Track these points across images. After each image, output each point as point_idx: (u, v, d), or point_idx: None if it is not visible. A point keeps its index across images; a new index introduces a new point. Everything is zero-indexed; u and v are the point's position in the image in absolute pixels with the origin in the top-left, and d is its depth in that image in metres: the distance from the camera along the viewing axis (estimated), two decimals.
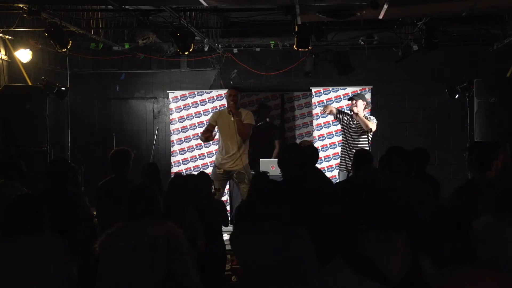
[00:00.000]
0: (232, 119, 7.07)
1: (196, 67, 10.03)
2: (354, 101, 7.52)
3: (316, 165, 5.17)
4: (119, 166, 5.42)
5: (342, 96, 9.25)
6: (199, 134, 8.27)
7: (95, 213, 5.78)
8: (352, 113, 7.54)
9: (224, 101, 9.25)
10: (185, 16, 7.48)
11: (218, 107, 9.35)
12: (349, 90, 9.14)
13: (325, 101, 9.28)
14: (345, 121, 7.65)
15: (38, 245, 3.34)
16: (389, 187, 4.42)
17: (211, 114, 9.23)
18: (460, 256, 2.15)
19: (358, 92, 8.39)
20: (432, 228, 2.20)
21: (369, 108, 8.40)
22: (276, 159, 8.22)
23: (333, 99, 9.21)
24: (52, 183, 4.94)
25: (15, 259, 3.30)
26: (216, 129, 7.41)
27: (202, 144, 9.30)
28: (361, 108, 7.50)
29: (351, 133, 7.56)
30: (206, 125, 7.75)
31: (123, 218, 3.52)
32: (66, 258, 3.41)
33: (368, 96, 9.14)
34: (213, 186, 5.62)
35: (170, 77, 10.12)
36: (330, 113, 7.79)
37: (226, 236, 4.85)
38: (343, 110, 8.07)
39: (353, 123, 7.54)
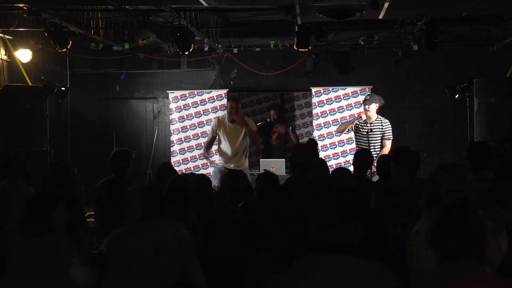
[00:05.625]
0: (244, 129, 7.59)
1: (196, 67, 10.03)
2: (367, 106, 7.57)
3: None
4: (120, 166, 5.39)
5: (342, 96, 9.25)
6: (202, 144, 8.71)
7: (92, 212, 5.77)
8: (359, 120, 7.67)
9: (224, 101, 9.29)
10: (185, 16, 7.47)
11: (218, 107, 9.36)
12: (349, 90, 9.14)
13: (325, 101, 9.29)
14: (359, 132, 7.70)
15: (48, 247, 3.35)
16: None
17: (210, 114, 9.31)
18: (462, 253, 2.15)
19: (370, 93, 8.24)
20: (438, 223, 2.20)
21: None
22: (276, 159, 8.38)
23: (333, 99, 9.21)
24: (53, 186, 4.93)
25: (28, 260, 3.32)
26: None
27: (202, 144, 9.31)
28: (373, 112, 7.58)
29: (366, 140, 7.56)
30: (208, 137, 8.03)
31: (137, 218, 3.47)
32: (77, 260, 3.40)
33: None
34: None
35: (170, 77, 10.12)
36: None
37: None
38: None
39: (364, 130, 7.61)
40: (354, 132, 7.82)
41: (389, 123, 7.59)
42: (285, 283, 2.19)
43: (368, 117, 7.59)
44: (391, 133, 7.52)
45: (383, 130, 7.52)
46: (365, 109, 7.65)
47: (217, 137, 7.82)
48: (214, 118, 8.48)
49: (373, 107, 7.56)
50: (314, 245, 2.19)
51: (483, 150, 4.58)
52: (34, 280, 3.29)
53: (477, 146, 5.04)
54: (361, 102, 8.07)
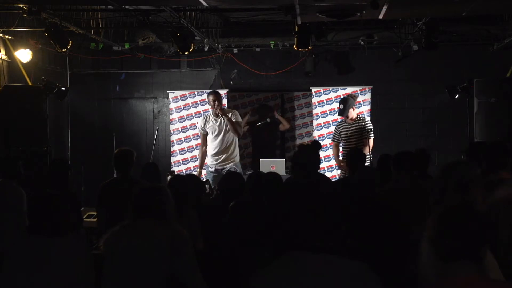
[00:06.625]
0: (224, 120, 7.61)
1: (196, 67, 10.03)
2: (345, 116, 7.75)
3: None
4: (124, 166, 5.31)
5: (342, 96, 9.24)
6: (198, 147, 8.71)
7: (92, 212, 5.77)
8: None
9: (224, 101, 9.28)
10: (185, 16, 7.48)
11: None
12: (349, 90, 9.14)
13: (325, 101, 9.29)
14: (342, 135, 7.85)
15: (58, 245, 3.34)
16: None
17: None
18: (459, 255, 2.14)
19: (341, 100, 8.21)
20: (437, 223, 2.19)
21: (357, 106, 8.39)
22: (276, 159, 8.38)
23: (333, 99, 9.21)
24: (53, 186, 4.93)
25: (36, 258, 3.31)
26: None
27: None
28: (353, 114, 7.78)
29: (351, 140, 7.65)
30: (200, 138, 8.05)
31: (129, 217, 3.50)
32: (85, 259, 3.41)
33: (368, 96, 9.17)
34: (207, 186, 5.64)
35: (170, 77, 10.12)
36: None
37: None
38: (335, 132, 8.12)
39: (349, 131, 7.76)
40: (340, 133, 7.94)
41: (369, 121, 7.86)
42: (266, 281, 2.17)
43: (350, 119, 7.81)
44: (371, 132, 7.71)
45: (363, 128, 7.70)
46: (345, 118, 7.83)
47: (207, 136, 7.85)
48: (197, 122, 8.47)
49: (351, 112, 7.78)
50: (297, 244, 2.17)
51: (499, 150, 4.53)
52: (41, 279, 3.28)
53: (494, 146, 5.00)
54: (338, 115, 8.19)
